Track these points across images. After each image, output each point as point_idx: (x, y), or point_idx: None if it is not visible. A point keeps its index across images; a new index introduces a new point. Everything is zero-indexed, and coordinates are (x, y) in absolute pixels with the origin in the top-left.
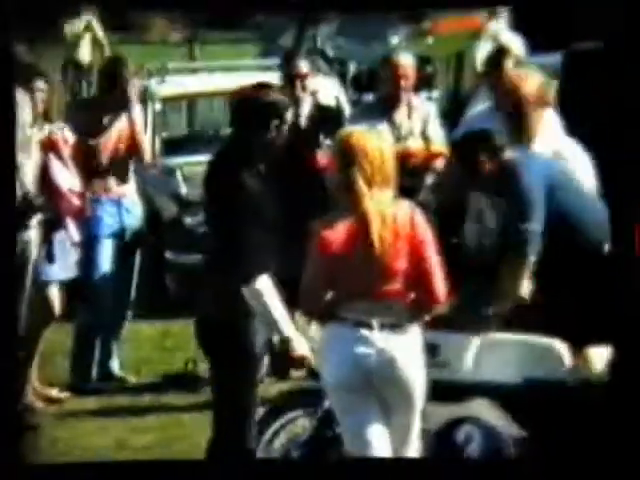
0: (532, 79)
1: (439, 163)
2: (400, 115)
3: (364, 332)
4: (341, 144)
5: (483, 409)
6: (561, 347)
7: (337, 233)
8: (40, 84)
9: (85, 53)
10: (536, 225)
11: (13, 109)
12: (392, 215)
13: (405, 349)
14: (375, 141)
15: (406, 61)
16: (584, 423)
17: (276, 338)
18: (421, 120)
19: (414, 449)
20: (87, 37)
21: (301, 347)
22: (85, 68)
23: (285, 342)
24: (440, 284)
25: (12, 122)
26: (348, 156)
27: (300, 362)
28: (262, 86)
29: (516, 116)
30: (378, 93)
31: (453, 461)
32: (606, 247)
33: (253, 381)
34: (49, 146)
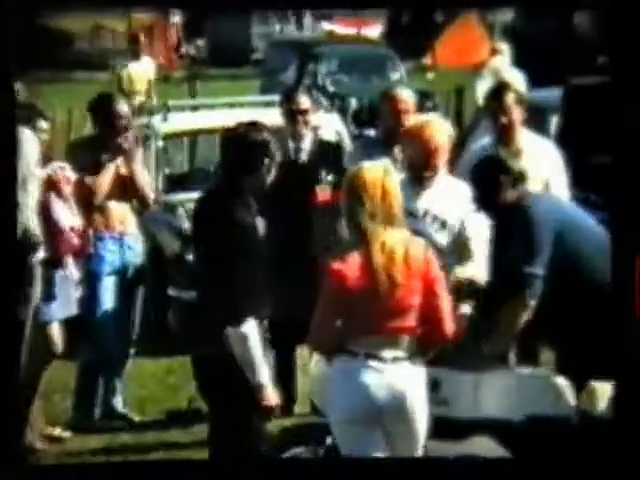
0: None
1: None
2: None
3: (375, 364)
4: (346, 180)
5: (484, 446)
6: (563, 383)
7: (350, 268)
8: (42, 124)
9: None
10: (539, 270)
11: (15, 148)
12: (403, 253)
13: (414, 383)
14: (377, 177)
15: (406, 95)
16: (587, 460)
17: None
18: None
19: None
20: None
21: (273, 398)
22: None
23: (258, 389)
24: (450, 321)
25: (14, 161)
26: (351, 192)
27: (268, 412)
28: (251, 125)
29: None
30: (379, 128)
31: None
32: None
33: (252, 420)
34: (50, 185)
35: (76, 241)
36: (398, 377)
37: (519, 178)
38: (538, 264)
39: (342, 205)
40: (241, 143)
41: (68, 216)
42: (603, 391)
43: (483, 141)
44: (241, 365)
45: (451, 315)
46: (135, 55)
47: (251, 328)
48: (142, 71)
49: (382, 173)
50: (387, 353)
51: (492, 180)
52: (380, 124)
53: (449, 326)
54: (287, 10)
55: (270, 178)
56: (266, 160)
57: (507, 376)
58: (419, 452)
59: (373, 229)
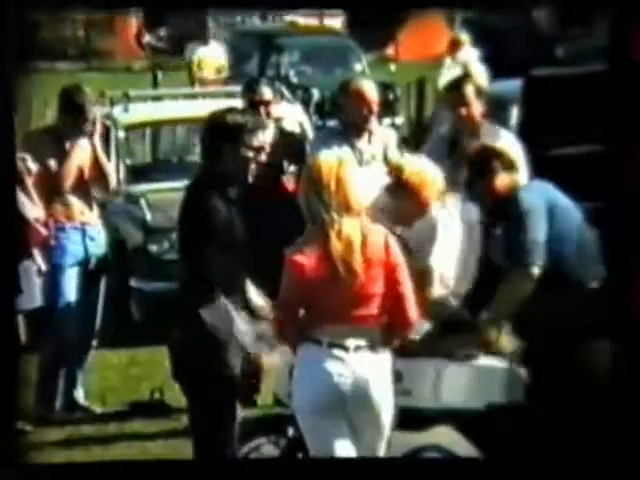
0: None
1: None
2: (362, 141)
3: (339, 353)
4: (303, 171)
5: (446, 436)
6: (522, 371)
7: (309, 259)
8: None
9: None
10: (539, 236)
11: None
12: (361, 241)
13: (377, 372)
14: (331, 166)
15: (369, 88)
16: (545, 448)
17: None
18: (382, 145)
19: None
20: None
21: (267, 357)
22: None
23: (251, 358)
24: (413, 308)
25: None
26: (307, 182)
27: (255, 376)
28: (230, 110)
29: None
30: (341, 119)
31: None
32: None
33: (231, 407)
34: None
35: (43, 232)
36: (362, 366)
37: (510, 165)
38: (537, 232)
39: (299, 196)
40: (221, 125)
41: (32, 208)
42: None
43: (443, 132)
44: (226, 340)
45: (414, 303)
46: (204, 40)
47: (226, 303)
48: (212, 56)
49: (336, 163)
50: (350, 342)
51: (485, 165)
52: (340, 116)
53: (413, 314)
54: (279, 9)
55: (251, 168)
56: (245, 147)
57: (468, 367)
58: (384, 443)
59: (329, 219)
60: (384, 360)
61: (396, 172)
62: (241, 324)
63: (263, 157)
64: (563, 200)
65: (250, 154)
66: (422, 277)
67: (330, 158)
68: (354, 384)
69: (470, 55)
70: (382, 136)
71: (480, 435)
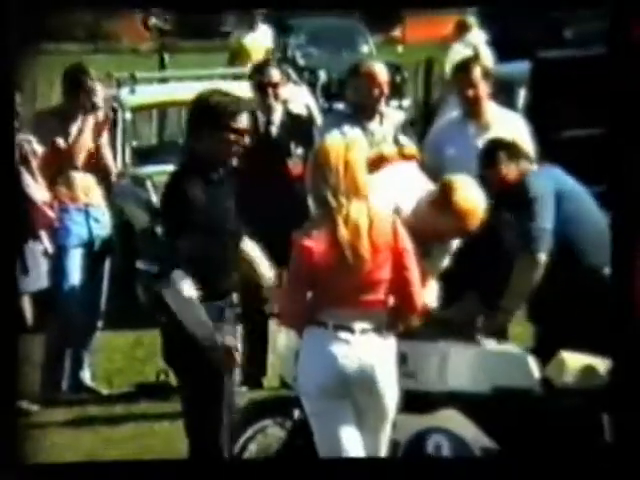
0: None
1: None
2: (373, 122)
3: (345, 335)
4: (311, 154)
5: (452, 419)
6: (529, 356)
7: (318, 243)
8: None
9: None
10: (546, 224)
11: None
12: (368, 226)
13: (383, 356)
14: (339, 150)
15: (379, 70)
16: (553, 433)
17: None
18: (393, 127)
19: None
20: None
21: (229, 339)
22: None
23: (210, 342)
24: (419, 293)
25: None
26: (314, 166)
27: (231, 354)
28: (215, 92)
29: None
30: (350, 102)
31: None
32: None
33: (221, 393)
34: (19, 159)
35: (50, 214)
36: (367, 349)
37: (519, 154)
38: (545, 220)
39: (307, 180)
40: (202, 110)
41: (39, 189)
42: (573, 362)
43: (451, 115)
44: (185, 323)
45: (421, 289)
46: (251, 26)
47: (186, 285)
48: (259, 40)
49: (344, 146)
50: (357, 325)
51: (493, 156)
52: (349, 97)
53: (419, 299)
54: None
55: (234, 151)
56: (227, 130)
57: (474, 350)
58: (389, 426)
59: (337, 203)
60: (390, 344)
61: (446, 190)
62: (202, 313)
63: (247, 140)
64: (572, 184)
65: (232, 137)
66: None
67: (337, 142)
68: (359, 367)
69: (478, 37)
70: (392, 118)
71: (486, 419)
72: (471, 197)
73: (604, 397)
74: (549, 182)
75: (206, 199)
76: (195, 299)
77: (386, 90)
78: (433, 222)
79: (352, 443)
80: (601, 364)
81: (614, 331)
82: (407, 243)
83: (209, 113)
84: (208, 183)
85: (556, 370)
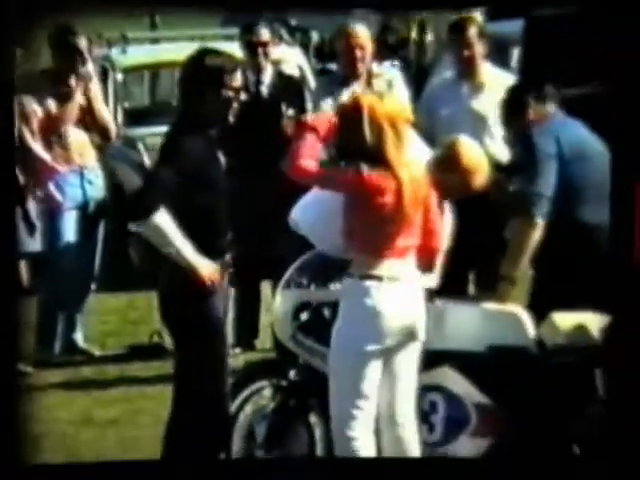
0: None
1: None
2: (361, 85)
3: (389, 289)
4: (346, 113)
5: (447, 377)
6: (524, 314)
7: (381, 183)
8: None
9: None
10: (545, 190)
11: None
12: (417, 175)
13: (420, 309)
14: (387, 107)
15: (360, 31)
16: (547, 390)
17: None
18: (385, 86)
19: (412, 421)
20: None
21: (207, 270)
22: None
23: (190, 269)
24: (441, 233)
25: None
26: (368, 125)
27: (211, 282)
28: (207, 52)
29: None
30: (339, 63)
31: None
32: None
33: (217, 355)
34: (22, 119)
35: (59, 168)
36: (411, 297)
37: (545, 97)
38: (543, 185)
39: (343, 136)
40: (199, 70)
41: (41, 150)
42: (564, 322)
43: (445, 75)
44: (167, 254)
45: (442, 227)
46: None
47: (162, 217)
48: None
49: (389, 103)
50: (401, 275)
51: (520, 101)
52: (338, 60)
53: (441, 238)
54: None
55: (232, 109)
56: (225, 88)
57: (471, 308)
58: (413, 394)
59: (397, 159)
60: (422, 296)
61: (453, 149)
62: (178, 238)
63: (243, 97)
64: (579, 141)
65: (231, 94)
66: None
67: (380, 98)
68: (406, 316)
69: None
70: (385, 78)
71: (482, 377)
72: (476, 156)
73: (597, 354)
74: (553, 142)
75: (204, 156)
76: (172, 227)
77: (368, 51)
78: (440, 179)
79: (370, 402)
80: (593, 321)
81: (613, 282)
82: (429, 185)
83: (207, 72)
84: (205, 141)
85: (548, 331)
